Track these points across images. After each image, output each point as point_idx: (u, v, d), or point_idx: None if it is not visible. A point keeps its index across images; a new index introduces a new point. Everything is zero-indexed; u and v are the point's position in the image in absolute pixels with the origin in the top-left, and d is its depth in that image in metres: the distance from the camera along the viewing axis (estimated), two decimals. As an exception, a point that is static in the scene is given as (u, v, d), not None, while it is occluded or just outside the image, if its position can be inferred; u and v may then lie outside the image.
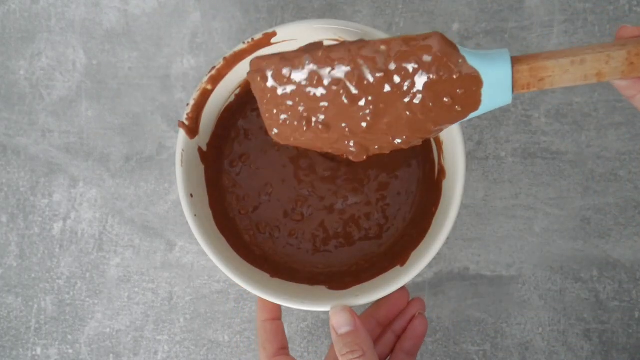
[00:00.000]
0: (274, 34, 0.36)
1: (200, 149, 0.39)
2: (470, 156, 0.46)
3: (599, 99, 0.46)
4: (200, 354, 0.46)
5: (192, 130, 0.37)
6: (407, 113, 0.31)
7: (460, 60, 0.30)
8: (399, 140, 0.33)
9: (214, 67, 0.37)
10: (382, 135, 0.33)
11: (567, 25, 0.46)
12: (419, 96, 0.31)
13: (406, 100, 0.31)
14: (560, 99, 0.46)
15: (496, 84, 0.30)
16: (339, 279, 0.40)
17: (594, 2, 0.46)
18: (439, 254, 0.46)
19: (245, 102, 0.42)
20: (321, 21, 0.36)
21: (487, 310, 0.46)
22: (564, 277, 0.46)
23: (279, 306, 0.37)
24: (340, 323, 0.33)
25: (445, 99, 0.30)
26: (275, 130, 0.34)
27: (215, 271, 0.47)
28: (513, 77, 0.29)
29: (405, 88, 0.31)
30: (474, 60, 0.30)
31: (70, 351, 0.46)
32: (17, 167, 0.47)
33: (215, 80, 0.37)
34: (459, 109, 0.31)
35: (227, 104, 0.41)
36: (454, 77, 0.30)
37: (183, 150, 0.37)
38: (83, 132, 0.47)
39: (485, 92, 0.30)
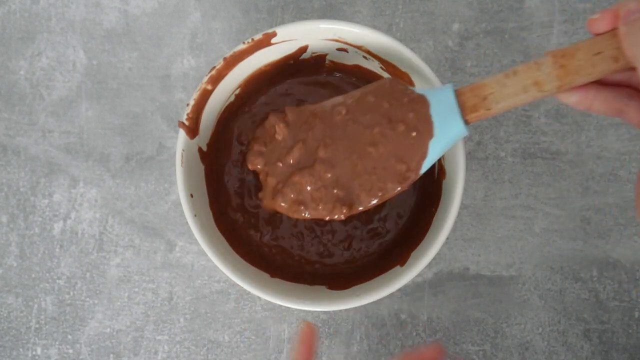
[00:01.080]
0: (274, 34, 0.36)
1: (200, 149, 0.39)
2: (470, 156, 0.46)
3: (598, 99, 0.46)
4: (200, 354, 0.46)
5: (192, 130, 0.37)
6: (371, 149, 0.34)
7: (408, 91, 0.33)
8: (374, 199, 0.35)
9: (214, 68, 0.37)
10: (360, 188, 0.35)
11: (567, 25, 0.46)
12: (377, 127, 0.33)
13: (368, 131, 0.34)
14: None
15: (443, 104, 0.32)
16: (339, 279, 0.40)
17: (594, 2, 0.46)
18: (439, 254, 0.46)
19: (245, 102, 0.42)
20: (321, 22, 0.36)
21: (487, 310, 0.46)
22: (564, 277, 0.46)
23: (315, 353, 0.34)
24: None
25: (401, 127, 0.33)
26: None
27: (215, 271, 0.47)
28: (459, 100, 0.31)
29: (366, 121, 0.34)
30: (420, 90, 0.33)
31: (71, 351, 0.46)
32: (17, 167, 0.47)
33: (215, 80, 0.37)
34: (414, 135, 0.33)
35: (227, 104, 0.41)
36: (405, 100, 0.33)
37: (183, 151, 0.37)
38: (83, 132, 0.47)
39: (434, 113, 0.32)
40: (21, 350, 0.47)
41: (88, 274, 0.47)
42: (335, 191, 0.35)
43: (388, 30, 0.47)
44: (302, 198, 0.35)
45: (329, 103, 0.36)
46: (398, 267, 0.37)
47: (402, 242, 0.41)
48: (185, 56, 0.47)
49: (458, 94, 0.31)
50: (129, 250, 0.47)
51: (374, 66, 0.40)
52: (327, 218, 0.35)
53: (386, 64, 0.39)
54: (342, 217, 0.35)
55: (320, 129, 0.35)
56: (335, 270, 0.42)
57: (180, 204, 0.44)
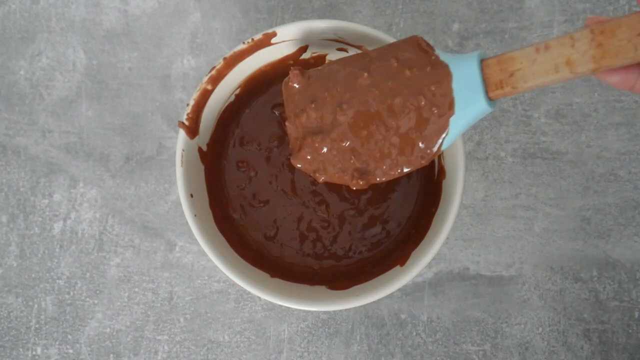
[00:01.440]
0: (274, 34, 0.36)
1: (200, 149, 0.39)
2: (470, 156, 0.46)
3: (598, 99, 0.46)
4: (200, 354, 0.46)
5: (192, 130, 0.37)
6: (391, 122, 0.32)
7: (433, 57, 0.31)
8: (400, 168, 0.33)
9: (214, 68, 0.37)
10: (380, 157, 0.33)
11: (567, 25, 0.46)
12: (398, 97, 0.31)
13: (389, 100, 0.32)
14: (560, 99, 0.46)
15: (466, 78, 0.29)
16: (339, 279, 0.40)
17: (594, 2, 0.46)
18: (438, 254, 0.46)
19: (244, 102, 0.42)
20: (321, 21, 0.36)
21: (487, 310, 0.46)
22: (564, 277, 0.46)
23: None
24: None
25: (422, 100, 0.31)
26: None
27: (215, 271, 0.47)
28: (484, 73, 0.29)
29: (389, 84, 0.32)
30: (445, 57, 0.30)
31: (70, 351, 0.46)
32: (17, 167, 0.47)
33: (215, 80, 0.37)
34: (435, 111, 0.31)
35: (227, 104, 0.41)
36: (427, 69, 0.30)
37: (183, 151, 0.37)
38: (83, 132, 0.47)
39: (456, 88, 0.30)
40: (21, 350, 0.47)
41: (88, 274, 0.47)
42: (352, 160, 0.33)
43: (388, 30, 0.47)
44: (317, 161, 0.34)
45: (354, 61, 0.34)
46: (398, 267, 0.38)
47: (402, 242, 0.41)
48: (185, 56, 0.47)
49: (484, 66, 0.29)
50: (129, 250, 0.47)
51: None
52: (347, 184, 0.34)
53: None
54: (360, 187, 0.34)
55: (340, 91, 0.33)
56: (336, 271, 0.42)
57: (180, 204, 0.44)
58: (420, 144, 0.31)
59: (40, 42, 0.48)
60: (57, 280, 0.47)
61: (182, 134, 0.37)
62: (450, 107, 0.30)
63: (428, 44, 0.31)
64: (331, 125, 0.34)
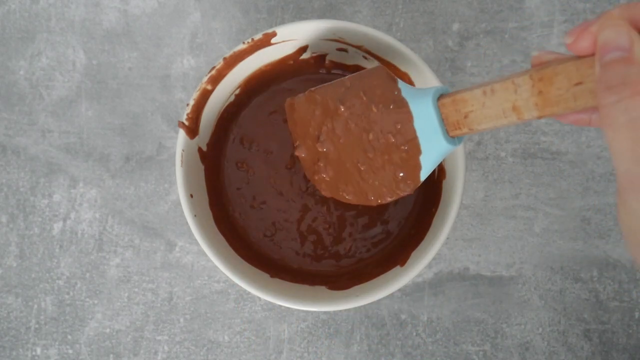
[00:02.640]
0: (274, 34, 0.36)
1: (200, 149, 0.39)
2: (470, 156, 0.46)
3: (599, 99, 0.46)
4: (200, 354, 0.46)
5: (192, 130, 0.37)
6: (370, 155, 0.33)
7: (396, 92, 0.31)
8: (381, 201, 0.35)
9: (213, 68, 0.37)
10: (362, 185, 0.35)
11: (567, 25, 0.46)
12: (372, 134, 0.33)
13: (365, 135, 0.33)
14: (560, 99, 0.46)
15: (426, 118, 0.30)
16: (339, 279, 0.40)
17: (594, 2, 0.46)
18: (438, 254, 0.46)
19: (244, 102, 0.42)
20: (321, 21, 0.36)
21: (487, 310, 0.46)
22: (564, 277, 0.46)
23: None
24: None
25: (391, 139, 0.32)
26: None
27: (215, 271, 0.46)
28: (442, 112, 0.29)
29: (363, 123, 0.33)
30: (406, 92, 0.31)
31: (70, 351, 0.46)
32: (17, 167, 0.47)
33: (215, 80, 0.37)
34: (405, 149, 0.31)
35: (227, 104, 0.41)
36: (391, 107, 0.31)
37: (183, 151, 0.37)
38: (83, 132, 0.47)
39: (418, 128, 0.30)
40: (21, 350, 0.47)
41: (88, 274, 0.47)
42: (340, 191, 0.35)
43: (388, 30, 0.47)
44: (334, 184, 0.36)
45: (332, 90, 0.35)
46: (398, 267, 0.38)
47: (402, 242, 0.41)
48: (185, 56, 0.47)
49: (440, 106, 0.29)
50: (128, 250, 0.47)
51: (373, 66, 0.40)
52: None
53: (386, 64, 0.39)
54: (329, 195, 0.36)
55: (322, 119, 0.35)
56: (336, 271, 0.42)
57: (180, 204, 0.44)
58: (401, 178, 0.32)
59: (40, 42, 0.48)
60: (57, 281, 0.47)
61: (182, 134, 0.37)
62: (416, 146, 0.31)
63: (392, 77, 0.32)
64: (317, 157, 0.36)
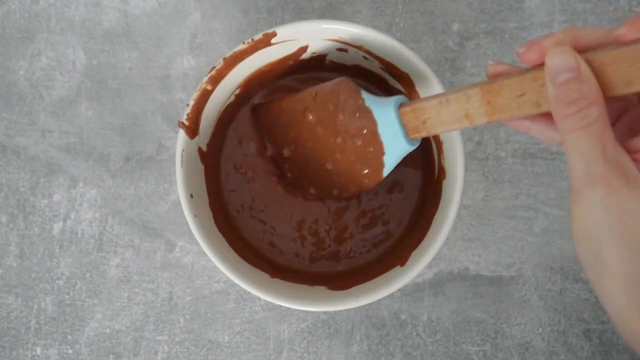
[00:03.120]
0: (274, 34, 0.36)
1: (200, 149, 0.39)
2: (470, 156, 0.46)
3: (599, 99, 0.46)
4: (200, 354, 0.46)
5: (192, 130, 0.37)
6: (337, 156, 0.38)
7: (360, 101, 0.35)
8: (347, 195, 0.40)
9: (213, 68, 0.37)
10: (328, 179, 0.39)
11: (567, 25, 0.46)
12: (339, 137, 0.37)
13: (332, 139, 0.37)
14: (560, 99, 0.46)
15: (388, 124, 0.34)
16: (339, 279, 0.40)
17: (594, 2, 0.46)
18: (438, 254, 0.46)
19: (245, 102, 0.42)
20: (321, 22, 0.36)
21: (487, 310, 0.46)
22: (564, 277, 0.46)
23: None
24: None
25: (358, 141, 0.36)
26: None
27: (215, 271, 0.47)
28: (402, 119, 0.33)
29: (332, 127, 0.37)
30: (370, 102, 0.35)
31: (70, 351, 0.46)
32: (17, 167, 0.47)
33: (215, 80, 0.37)
34: (371, 150, 0.36)
35: (227, 104, 0.41)
36: (356, 115, 0.35)
37: (183, 151, 0.37)
38: (83, 132, 0.47)
39: (382, 132, 0.34)
40: (21, 350, 0.47)
41: (88, 274, 0.47)
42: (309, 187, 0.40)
43: (388, 30, 0.47)
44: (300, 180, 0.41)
45: (299, 99, 0.39)
46: (398, 267, 0.38)
47: (402, 242, 0.41)
48: (185, 56, 0.47)
49: (401, 113, 0.33)
50: (128, 251, 0.47)
51: (373, 66, 0.40)
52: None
53: (386, 64, 0.39)
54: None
55: (288, 125, 0.39)
56: (335, 271, 0.42)
57: (180, 204, 0.44)
58: (366, 174, 0.37)
59: (40, 42, 0.48)
60: (57, 281, 0.47)
61: (182, 134, 0.37)
62: (380, 148, 0.35)
63: (357, 88, 0.36)
64: (282, 159, 0.41)
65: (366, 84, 0.43)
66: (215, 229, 0.39)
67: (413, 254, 0.37)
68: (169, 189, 0.47)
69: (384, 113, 0.34)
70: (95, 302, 0.47)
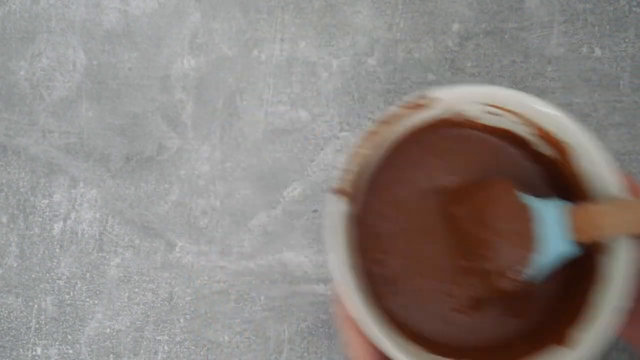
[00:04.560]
0: (436, 99, 0.32)
1: (352, 213, 0.33)
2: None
3: (598, 99, 0.46)
4: (200, 355, 0.46)
5: (351, 196, 0.32)
6: (479, 252, 0.33)
7: (516, 199, 0.32)
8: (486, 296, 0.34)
9: (371, 132, 0.32)
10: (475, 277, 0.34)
11: (567, 25, 0.46)
12: (486, 232, 0.33)
13: (475, 237, 0.33)
14: (560, 99, 0.46)
15: (550, 223, 0.31)
16: (489, 355, 0.34)
17: (594, 3, 0.46)
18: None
19: (390, 163, 0.36)
20: (485, 88, 0.32)
21: (487, 310, 0.46)
22: (564, 277, 0.46)
23: None
24: None
25: (505, 242, 0.32)
26: None
27: (215, 271, 0.47)
28: (569, 220, 0.30)
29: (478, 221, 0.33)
30: (527, 199, 0.32)
31: (70, 351, 0.46)
32: (17, 168, 0.47)
33: (373, 144, 0.32)
34: (518, 249, 0.31)
35: (375, 166, 0.35)
36: (511, 212, 0.32)
37: (341, 217, 0.31)
38: (83, 132, 0.47)
39: (539, 230, 0.31)
40: (21, 350, 0.47)
41: (88, 274, 0.47)
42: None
43: (388, 30, 0.47)
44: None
45: (447, 192, 0.35)
46: (555, 345, 0.31)
47: (554, 316, 0.35)
48: (185, 56, 0.47)
49: (568, 213, 0.30)
50: (129, 251, 0.47)
51: (525, 131, 0.35)
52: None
53: (542, 132, 0.35)
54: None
55: (434, 218, 0.35)
56: (484, 345, 0.35)
57: (179, 204, 0.44)
58: (508, 277, 0.32)
59: (40, 42, 0.48)
60: (57, 281, 0.47)
61: (340, 201, 0.31)
62: (531, 246, 0.31)
63: (514, 190, 0.32)
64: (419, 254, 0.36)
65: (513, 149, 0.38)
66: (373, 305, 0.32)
67: (570, 329, 0.31)
68: (169, 189, 0.47)
69: (546, 211, 0.31)
70: (96, 302, 0.47)
